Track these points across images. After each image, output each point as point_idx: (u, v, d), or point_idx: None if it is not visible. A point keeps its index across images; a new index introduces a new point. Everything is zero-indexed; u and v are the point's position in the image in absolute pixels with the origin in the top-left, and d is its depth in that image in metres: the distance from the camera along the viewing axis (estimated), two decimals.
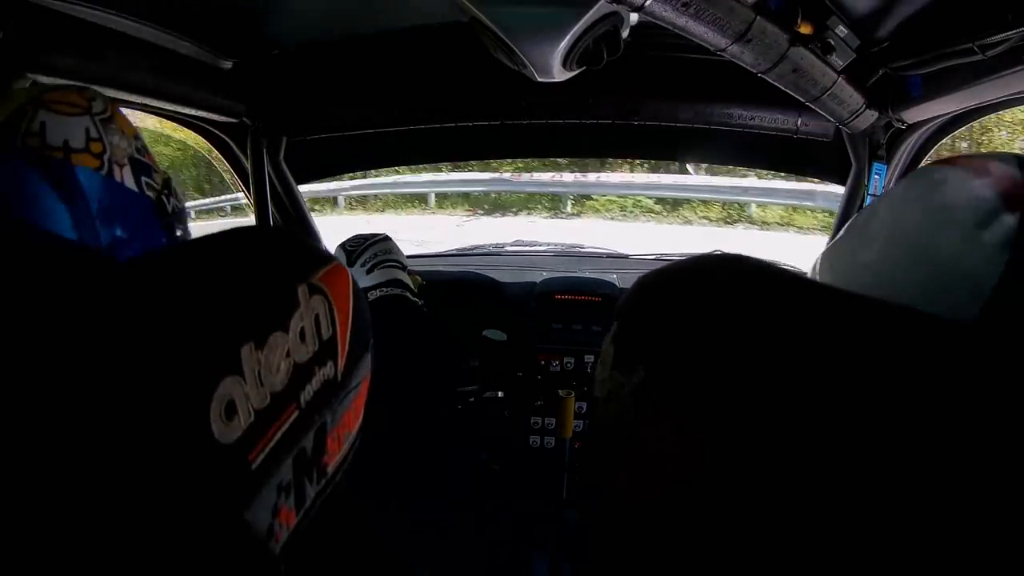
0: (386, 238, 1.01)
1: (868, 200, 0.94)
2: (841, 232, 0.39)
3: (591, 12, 0.68)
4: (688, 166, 5.27)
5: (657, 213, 5.74)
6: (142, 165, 0.48)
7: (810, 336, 0.17)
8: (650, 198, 5.69)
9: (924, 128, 0.91)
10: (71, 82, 0.48)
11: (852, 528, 0.14)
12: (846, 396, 0.16)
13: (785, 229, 5.21)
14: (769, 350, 0.18)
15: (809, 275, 0.40)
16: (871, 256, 0.34)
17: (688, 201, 5.67)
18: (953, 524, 0.14)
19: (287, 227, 1.31)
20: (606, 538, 0.20)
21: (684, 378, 0.18)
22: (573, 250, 1.73)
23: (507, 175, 5.98)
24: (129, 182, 0.46)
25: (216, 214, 5.83)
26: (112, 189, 0.45)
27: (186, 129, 1.11)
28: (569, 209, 5.88)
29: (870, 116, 0.85)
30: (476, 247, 1.73)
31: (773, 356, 0.17)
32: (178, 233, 0.51)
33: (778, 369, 0.17)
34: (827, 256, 0.39)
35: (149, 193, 0.48)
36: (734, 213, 5.53)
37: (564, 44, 0.72)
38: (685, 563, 0.17)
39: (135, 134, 0.49)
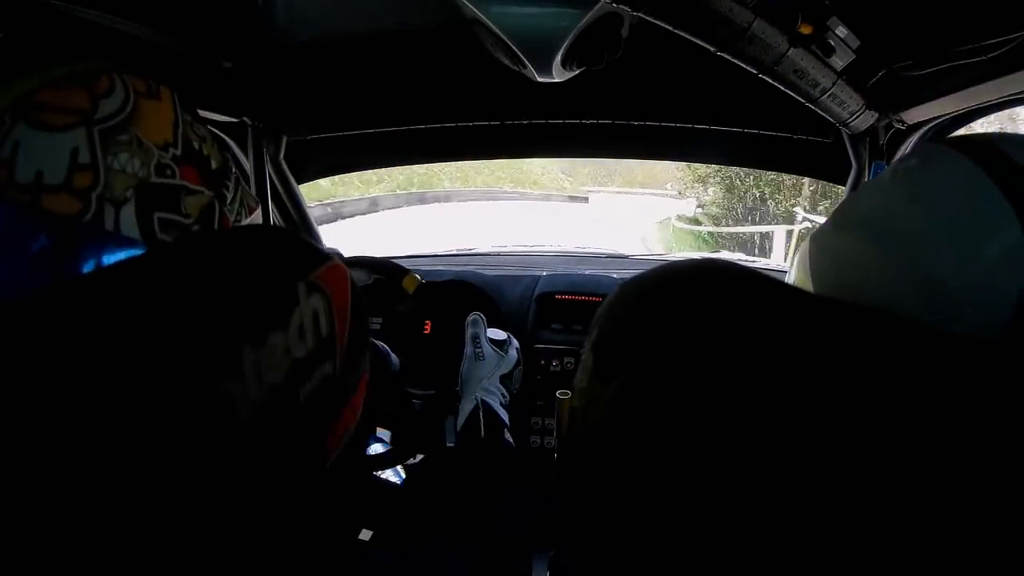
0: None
1: None
2: (828, 219, 0.36)
3: (591, 12, 0.68)
4: None
5: None
6: (163, 192, 0.34)
7: (790, 343, 0.17)
8: None
9: (924, 128, 0.91)
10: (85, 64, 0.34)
11: (835, 542, 0.14)
12: (830, 405, 0.15)
13: None
14: (750, 357, 0.17)
15: (796, 261, 0.38)
16: (859, 250, 0.31)
17: None
18: (964, 550, 0.13)
19: (288, 226, 1.31)
20: (587, 545, 0.20)
21: (662, 386, 0.18)
22: (573, 250, 1.73)
23: None
24: (128, 226, 0.32)
25: None
26: (93, 240, 0.31)
27: None
28: None
29: (870, 116, 0.85)
30: (476, 248, 1.73)
31: (754, 363, 0.17)
32: None
33: (759, 377, 0.17)
34: (815, 240, 0.36)
35: (164, 235, 0.34)
36: None
37: (564, 44, 0.73)
38: (660, 570, 0.17)
39: (170, 138, 0.35)
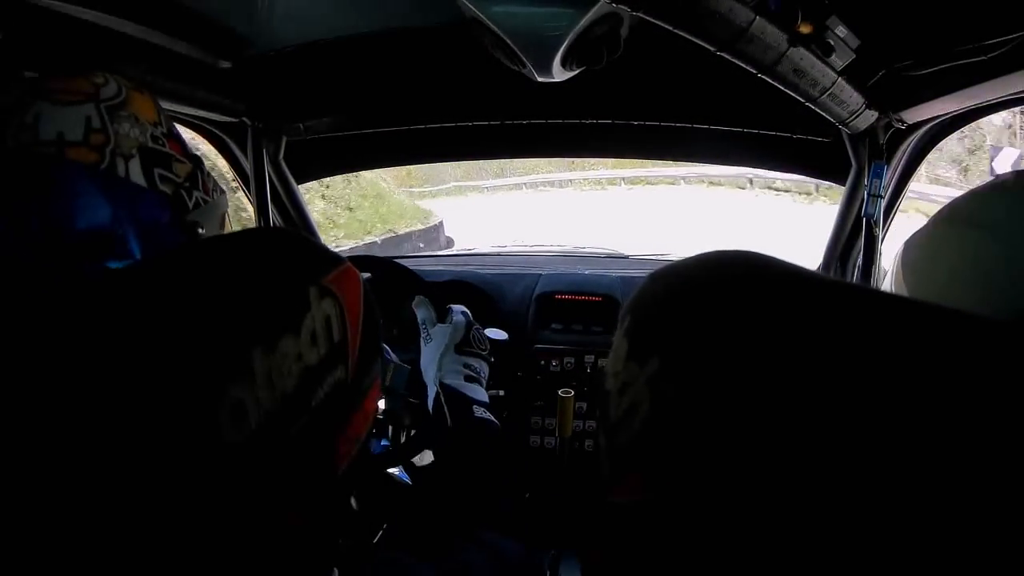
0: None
1: (867, 200, 0.94)
2: (927, 223, 0.40)
3: (591, 12, 0.68)
4: None
5: None
6: (158, 155, 0.42)
7: (825, 331, 0.18)
8: None
9: (924, 128, 0.91)
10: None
11: (867, 525, 0.14)
12: (860, 390, 0.16)
13: None
14: (782, 344, 0.18)
15: (892, 265, 0.42)
16: (951, 243, 0.36)
17: None
18: (983, 534, 0.13)
19: (288, 227, 1.31)
20: (614, 534, 0.20)
21: (698, 369, 0.18)
22: (573, 250, 1.73)
23: None
24: (136, 175, 0.41)
25: None
26: (111, 185, 0.39)
27: None
28: None
29: (870, 116, 0.85)
30: (477, 248, 1.73)
31: (785, 349, 0.17)
32: (201, 231, 0.44)
33: (790, 362, 0.17)
34: (909, 243, 0.40)
35: (164, 187, 0.42)
36: None
37: (564, 44, 0.72)
38: (695, 558, 0.17)
39: (156, 119, 0.44)
